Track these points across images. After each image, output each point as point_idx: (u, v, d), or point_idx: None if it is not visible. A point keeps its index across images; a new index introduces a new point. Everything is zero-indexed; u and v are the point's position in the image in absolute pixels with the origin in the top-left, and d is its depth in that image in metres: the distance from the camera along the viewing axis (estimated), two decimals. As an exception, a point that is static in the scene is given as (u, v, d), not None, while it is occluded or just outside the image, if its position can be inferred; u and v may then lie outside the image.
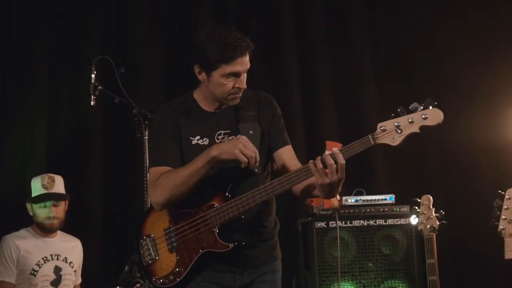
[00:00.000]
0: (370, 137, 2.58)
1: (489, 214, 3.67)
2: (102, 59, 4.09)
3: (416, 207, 3.97)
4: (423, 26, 5.54)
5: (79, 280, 4.45)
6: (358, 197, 4.59)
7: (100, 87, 4.03)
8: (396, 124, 2.56)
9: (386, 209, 4.53)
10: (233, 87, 2.80)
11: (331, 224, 4.44)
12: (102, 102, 4.28)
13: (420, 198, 3.95)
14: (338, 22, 5.56)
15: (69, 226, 4.46)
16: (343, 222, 4.45)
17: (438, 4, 5.52)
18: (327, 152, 2.60)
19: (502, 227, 3.60)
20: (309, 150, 5.10)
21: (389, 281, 4.43)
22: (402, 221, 4.47)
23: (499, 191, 3.68)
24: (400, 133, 2.56)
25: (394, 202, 4.59)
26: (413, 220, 4.30)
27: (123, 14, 5.28)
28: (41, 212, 4.28)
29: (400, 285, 4.43)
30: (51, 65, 5.08)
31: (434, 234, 3.85)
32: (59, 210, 4.32)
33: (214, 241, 2.76)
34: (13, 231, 4.32)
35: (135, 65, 5.15)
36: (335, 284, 4.38)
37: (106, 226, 4.99)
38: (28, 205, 4.34)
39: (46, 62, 5.08)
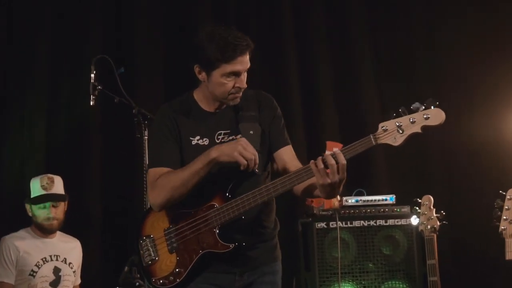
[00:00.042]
0: (371, 137, 2.57)
1: (490, 215, 3.66)
2: (101, 59, 4.08)
3: (417, 208, 3.95)
4: (423, 26, 5.54)
5: (79, 281, 4.44)
6: (359, 198, 4.59)
7: (99, 87, 4.02)
8: (397, 124, 2.56)
9: (387, 209, 4.53)
10: (233, 86, 2.79)
11: (332, 224, 4.43)
12: (101, 102, 4.27)
13: (420, 199, 3.93)
14: (338, 22, 5.56)
15: (69, 226, 4.45)
16: (344, 223, 4.44)
17: (438, 4, 5.52)
18: (328, 152, 2.59)
19: (503, 227, 3.59)
20: (309, 150, 5.10)
21: (390, 282, 4.43)
22: (402, 222, 4.47)
23: (500, 192, 3.67)
24: (402, 133, 2.55)
25: (394, 202, 4.58)
26: (414, 220, 4.28)
27: (123, 14, 5.28)
28: (40, 213, 4.26)
29: (401, 286, 4.42)
30: (51, 65, 5.08)
31: (435, 235, 3.84)
32: (59, 211, 4.31)
33: (214, 242, 2.75)
34: (12, 231, 4.31)
35: (135, 65, 5.15)
36: (336, 285, 4.37)
37: (106, 226, 4.99)
38: (27, 206, 4.32)
39: (46, 62, 5.07)
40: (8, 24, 5.06)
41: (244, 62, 2.77)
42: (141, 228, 2.93)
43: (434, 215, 3.86)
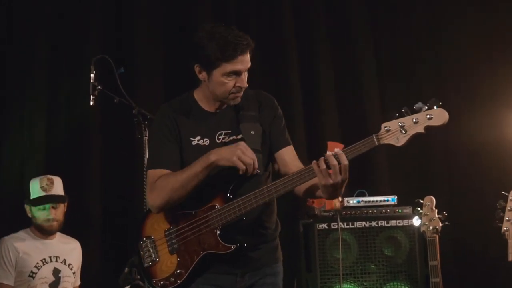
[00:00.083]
0: (374, 137, 2.56)
1: (492, 216, 3.65)
2: (101, 59, 4.07)
3: (419, 208, 3.95)
4: (424, 26, 5.54)
5: (78, 282, 4.43)
6: (360, 198, 4.58)
7: (99, 87, 4.01)
8: (400, 124, 2.55)
9: (388, 210, 4.51)
10: (234, 86, 2.78)
11: (333, 225, 4.43)
12: (101, 102, 4.26)
13: (422, 199, 3.93)
14: (339, 22, 5.55)
15: (69, 226, 4.44)
16: (345, 224, 4.43)
17: (439, 4, 5.51)
18: (329, 153, 2.57)
19: (505, 228, 3.58)
20: (310, 151, 5.10)
21: (392, 283, 4.41)
22: (404, 223, 4.45)
23: (503, 192, 3.66)
24: (405, 133, 2.54)
25: (396, 203, 4.57)
26: (416, 221, 4.28)
27: (123, 14, 5.28)
28: (40, 214, 4.25)
29: (403, 287, 4.40)
30: (51, 65, 5.07)
31: (437, 236, 3.83)
32: (58, 212, 4.29)
33: (215, 243, 2.74)
34: (12, 231, 4.30)
35: (135, 65, 5.14)
36: (337, 286, 4.36)
37: (106, 226, 4.98)
38: (27, 207, 4.31)
39: (46, 62, 5.07)
40: (8, 24, 5.05)
41: (244, 61, 2.76)
42: (141, 229, 2.91)
43: (436, 216, 3.85)
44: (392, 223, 4.46)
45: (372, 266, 4.43)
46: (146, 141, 3.90)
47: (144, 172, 3.87)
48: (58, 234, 4.37)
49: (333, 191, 2.58)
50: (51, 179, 4.30)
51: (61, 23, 5.13)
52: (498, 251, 3.69)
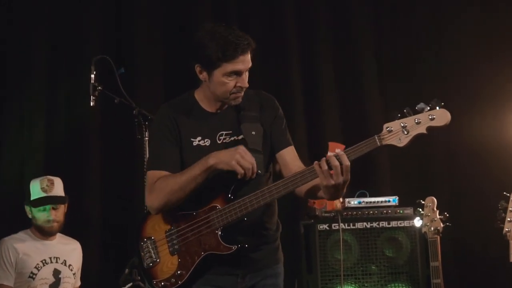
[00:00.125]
0: (376, 138, 2.55)
1: (494, 216, 3.64)
2: (101, 59, 4.07)
3: (420, 209, 3.94)
4: (424, 26, 5.53)
5: (78, 283, 4.42)
6: (361, 199, 4.57)
7: (99, 87, 4.00)
8: (402, 124, 2.54)
9: (390, 211, 4.50)
10: (235, 86, 2.77)
11: (334, 226, 4.42)
12: (101, 103, 4.25)
13: (424, 200, 3.92)
14: (339, 22, 5.54)
15: (69, 226, 4.43)
16: (346, 224, 4.42)
17: (439, 4, 5.50)
18: (331, 153, 2.56)
19: (507, 229, 3.57)
20: (311, 151, 5.10)
21: (393, 284, 4.40)
22: (405, 223, 4.44)
23: (504, 193, 3.65)
24: (407, 134, 2.53)
25: (397, 204, 4.56)
26: (417, 222, 4.27)
27: (123, 14, 5.28)
28: (40, 215, 4.24)
29: (404, 288, 4.40)
30: (50, 65, 5.07)
31: (438, 237, 3.82)
32: (59, 213, 4.28)
33: (216, 244, 2.73)
34: (12, 232, 4.30)
35: (135, 65, 5.14)
36: (338, 287, 4.34)
37: (106, 226, 4.98)
38: (27, 208, 4.30)
39: (46, 62, 5.07)
40: (8, 24, 5.04)
41: (245, 61, 2.75)
42: (142, 229, 2.90)
43: (438, 216, 3.84)
44: (393, 224, 4.45)
45: (373, 267, 4.42)
46: (147, 142, 3.90)
47: (144, 173, 3.86)
48: (58, 235, 4.36)
49: (334, 192, 2.57)
50: (52, 180, 4.29)
51: (61, 23, 5.13)
52: (499, 252, 3.68)
